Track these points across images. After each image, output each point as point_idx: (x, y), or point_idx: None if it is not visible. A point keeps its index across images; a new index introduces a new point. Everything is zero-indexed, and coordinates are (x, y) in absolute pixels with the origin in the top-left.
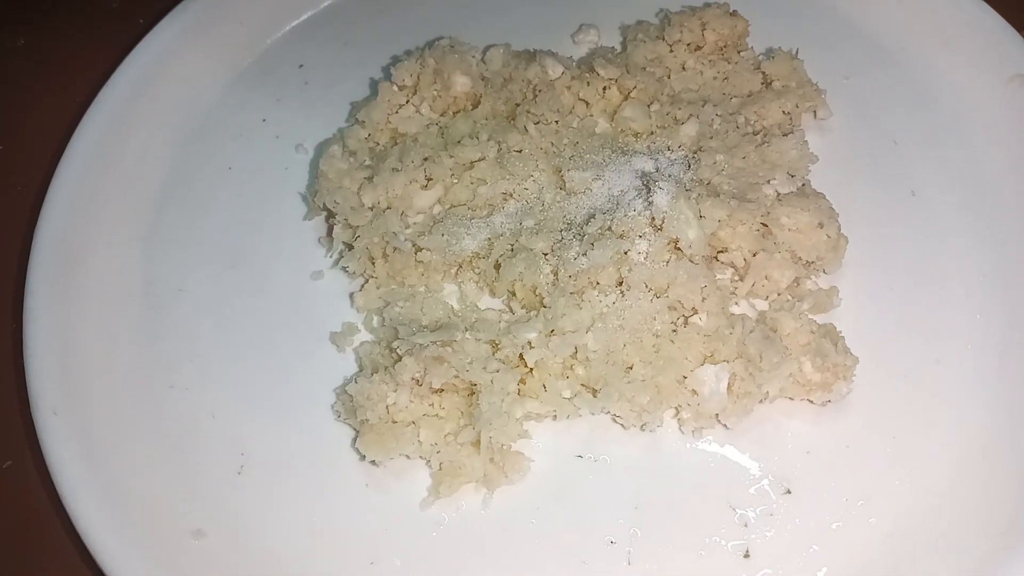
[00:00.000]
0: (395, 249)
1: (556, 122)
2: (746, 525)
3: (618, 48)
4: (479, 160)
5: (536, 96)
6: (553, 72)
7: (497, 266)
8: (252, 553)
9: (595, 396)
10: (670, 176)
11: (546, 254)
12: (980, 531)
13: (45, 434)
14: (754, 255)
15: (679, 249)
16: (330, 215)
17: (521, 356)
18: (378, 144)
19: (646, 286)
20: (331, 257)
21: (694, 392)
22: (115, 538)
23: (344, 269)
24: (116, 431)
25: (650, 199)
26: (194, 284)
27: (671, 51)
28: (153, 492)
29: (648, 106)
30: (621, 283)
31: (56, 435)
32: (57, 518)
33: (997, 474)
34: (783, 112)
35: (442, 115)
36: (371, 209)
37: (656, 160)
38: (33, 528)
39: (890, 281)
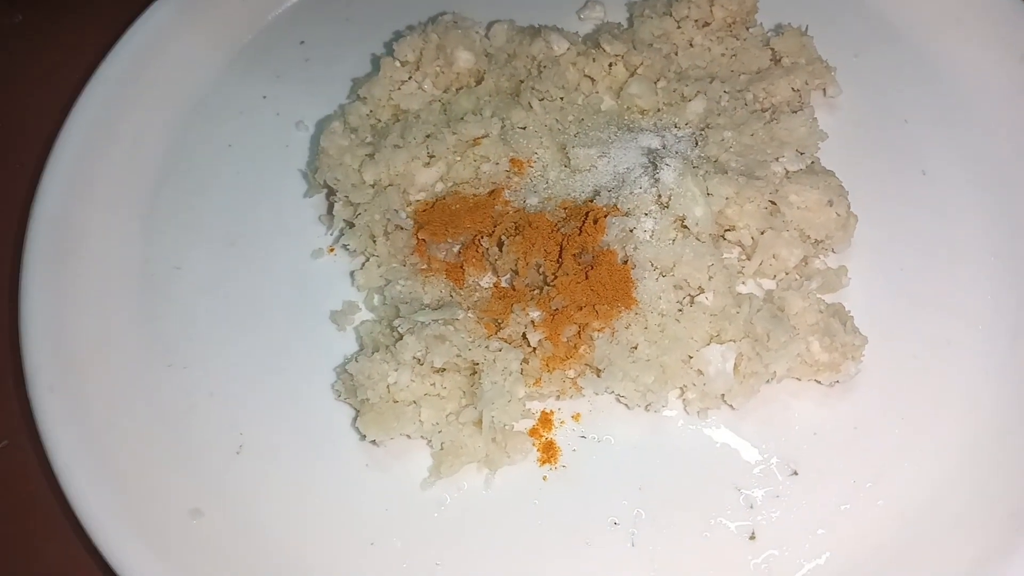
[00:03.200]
0: (397, 227)
1: (561, 99)
2: (752, 507)
3: (624, 24)
4: (482, 137)
5: (541, 72)
6: (558, 48)
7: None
8: (250, 533)
9: (599, 376)
10: (677, 153)
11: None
12: (990, 513)
13: (41, 413)
14: (762, 233)
15: (686, 227)
16: (331, 192)
17: (524, 335)
18: (380, 121)
19: (652, 264)
20: (332, 235)
21: (700, 372)
22: (111, 517)
23: (345, 247)
24: (113, 410)
25: (656, 176)
26: (193, 262)
27: (678, 27)
28: (150, 471)
29: (655, 83)
30: (627, 262)
31: (52, 414)
32: (53, 497)
33: (1007, 456)
34: (792, 89)
35: (445, 91)
36: (372, 186)
37: (663, 137)
38: (29, 507)
39: (900, 261)
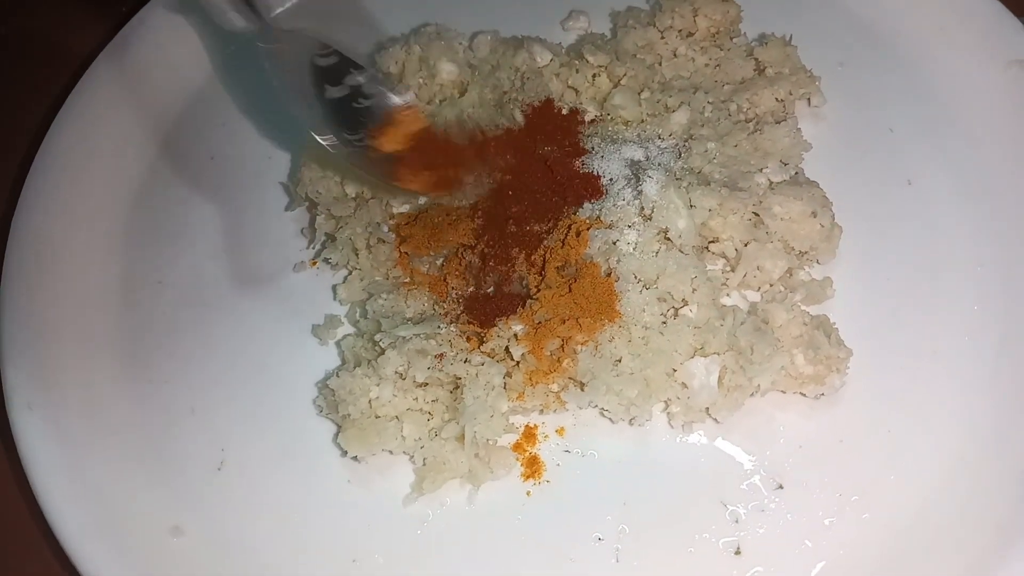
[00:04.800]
0: (379, 240)
1: None
2: (737, 521)
3: (608, 35)
4: None
5: (524, 83)
6: (541, 59)
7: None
8: (232, 551)
9: (583, 390)
10: (660, 165)
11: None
12: (976, 526)
13: (19, 430)
14: (746, 245)
15: (669, 239)
16: (313, 205)
17: (507, 349)
18: None
19: (635, 277)
20: (314, 248)
21: (684, 385)
22: (91, 536)
23: (327, 260)
24: (92, 426)
25: (639, 188)
26: (174, 276)
27: (662, 37)
28: (130, 489)
29: (638, 93)
30: (610, 274)
31: (31, 431)
32: (31, 516)
33: (993, 468)
34: (776, 99)
35: (428, 103)
36: (354, 199)
37: (646, 148)
38: (6, 526)
39: (885, 272)
